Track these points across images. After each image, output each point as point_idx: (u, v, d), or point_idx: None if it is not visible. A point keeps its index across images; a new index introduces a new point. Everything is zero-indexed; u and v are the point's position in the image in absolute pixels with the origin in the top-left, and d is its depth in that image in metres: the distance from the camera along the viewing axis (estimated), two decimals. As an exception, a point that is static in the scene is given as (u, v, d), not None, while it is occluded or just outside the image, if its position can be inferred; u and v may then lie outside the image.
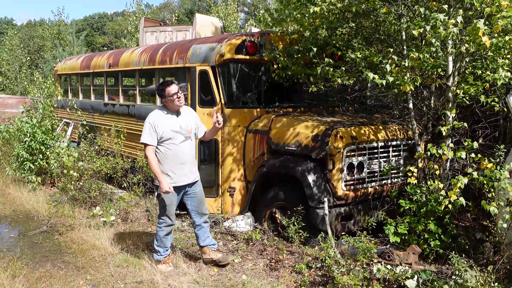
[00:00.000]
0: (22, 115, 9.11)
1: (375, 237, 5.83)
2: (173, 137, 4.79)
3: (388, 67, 4.48)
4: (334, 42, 6.17)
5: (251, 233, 5.74)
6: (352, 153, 5.61)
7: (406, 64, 4.75)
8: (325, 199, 5.22)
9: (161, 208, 5.01)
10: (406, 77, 4.57)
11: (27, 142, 8.47)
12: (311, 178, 5.44)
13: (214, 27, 9.38)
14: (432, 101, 6.07)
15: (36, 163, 8.51)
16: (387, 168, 5.71)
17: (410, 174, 4.99)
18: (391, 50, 4.80)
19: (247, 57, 6.46)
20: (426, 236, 5.14)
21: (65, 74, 11.38)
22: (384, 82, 4.48)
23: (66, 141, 9.60)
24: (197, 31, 9.06)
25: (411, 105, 5.57)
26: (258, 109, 6.57)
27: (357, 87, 5.68)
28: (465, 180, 4.33)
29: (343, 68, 5.32)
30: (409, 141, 6.23)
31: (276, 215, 5.89)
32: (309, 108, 7.05)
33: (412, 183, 5.01)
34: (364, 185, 5.78)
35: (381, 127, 6.01)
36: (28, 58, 22.82)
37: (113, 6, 65.98)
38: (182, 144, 4.86)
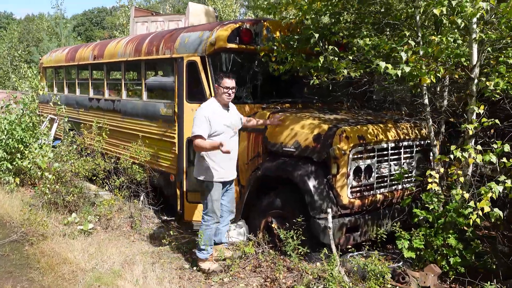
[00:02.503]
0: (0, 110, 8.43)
1: (383, 248, 5.15)
2: (225, 131, 4.75)
3: (403, 55, 3.77)
4: (337, 30, 5.46)
5: (243, 246, 5.04)
6: (359, 156, 4.91)
7: (421, 52, 4.02)
8: (329, 210, 4.53)
9: (208, 205, 4.86)
10: (424, 68, 3.84)
11: (4, 140, 7.79)
12: (311, 183, 4.74)
13: (209, 17, 8.66)
14: (445, 96, 5.38)
15: (14, 163, 7.83)
16: (399, 172, 5.01)
17: (430, 180, 4.29)
18: (407, 33, 4.07)
19: (241, 46, 5.75)
20: (445, 251, 4.46)
21: (50, 67, 10.68)
22: (399, 72, 3.76)
23: (50, 139, 8.92)
24: (190, 21, 8.34)
25: (426, 101, 4.87)
26: (253, 105, 5.87)
27: (366, 79, 4.96)
28: (499, 188, 3.64)
29: (350, 58, 4.60)
30: (422, 142, 5.54)
31: (273, 225, 5.20)
32: (309, 104, 6.35)
33: (433, 189, 4.31)
34: (372, 191, 5.09)
35: (391, 126, 5.30)
36: (21, 51, 22.07)
37: (112, 0, 65.20)
38: (231, 139, 4.85)
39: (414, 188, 4.81)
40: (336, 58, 4.50)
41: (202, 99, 5.73)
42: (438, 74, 3.84)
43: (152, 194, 6.75)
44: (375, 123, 5.25)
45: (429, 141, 5.55)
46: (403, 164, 5.35)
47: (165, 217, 6.72)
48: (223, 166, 4.81)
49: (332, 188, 4.76)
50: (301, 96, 6.49)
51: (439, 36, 3.80)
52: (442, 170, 4.43)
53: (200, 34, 5.89)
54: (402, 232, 4.58)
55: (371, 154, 5.02)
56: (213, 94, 5.65)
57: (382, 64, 3.76)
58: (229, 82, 4.75)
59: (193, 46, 5.87)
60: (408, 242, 4.53)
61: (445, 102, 5.37)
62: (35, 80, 8.28)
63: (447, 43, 3.81)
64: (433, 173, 4.28)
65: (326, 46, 5.60)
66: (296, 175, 4.84)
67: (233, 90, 4.80)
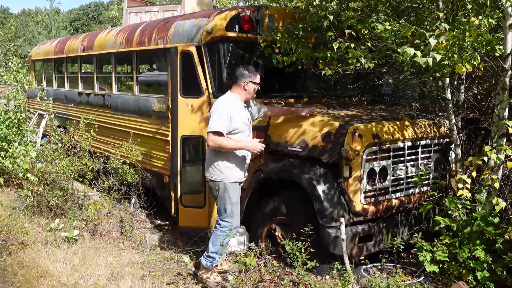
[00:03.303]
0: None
1: (399, 258, 4.63)
2: (244, 129, 4.41)
3: (432, 41, 3.22)
4: (347, 17, 4.91)
5: (243, 257, 4.53)
6: (374, 156, 4.39)
7: (443, 41, 3.47)
8: (342, 219, 4.01)
9: (227, 209, 4.41)
10: (456, 56, 3.28)
11: (-15, 138, 7.27)
12: (321, 188, 4.22)
13: (206, 7, 8.11)
14: (462, 90, 4.86)
15: (-2, 162, 7.30)
16: (417, 175, 4.50)
17: (460, 185, 3.76)
18: (441, 14, 3.53)
19: (241, 35, 5.21)
20: (471, 264, 3.95)
21: (39, 60, 10.11)
22: (430, 60, 3.21)
23: (38, 136, 8.39)
24: (186, 10, 7.79)
25: (449, 95, 4.34)
26: (254, 100, 5.32)
27: (380, 70, 4.42)
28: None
29: (369, 44, 4.05)
30: (441, 140, 5.02)
31: (276, 233, 4.68)
32: (315, 99, 5.82)
33: (465, 196, 3.79)
34: (388, 196, 4.57)
35: (408, 123, 4.78)
36: (13, 44, 21.44)
37: (110, -6, 64.43)
38: (249, 137, 4.51)
39: (435, 193, 4.28)
40: (352, 45, 3.94)
41: (198, 93, 5.21)
42: (474, 62, 3.30)
43: (145, 197, 6.22)
44: (391, 120, 4.73)
45: (448, 140, 5.06)
46: (421, 165, 4.83)
47: (159, 222, 6.21)
48: (240, 166, 4.45)
49: (344, 193, 4.24)
50: (306, 90, 5.96)
51: (479, 18, 3.26)
52: (474, 174, 3.90)
53: (195, 22, 5.35)
54: (423, 243, 4.06)
55: (386, 155, 4.49)
56: (209, 88, 5.12)
57: (410, 51, 3.21)
58: (259, 79, 4.46)
59: (188, 35, 5.33)
60: (430, 254, 4.02)
61: (462, 96, 4.86)
62: (20, 74, 7.72)
63: (488, 27, 3.28)
64: (464, 177, 3.75)
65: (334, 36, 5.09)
66: (303, 178, 4.31)
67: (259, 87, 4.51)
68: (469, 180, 3.77)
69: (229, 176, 4.37)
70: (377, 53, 3.96)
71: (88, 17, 57.65)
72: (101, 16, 56.26)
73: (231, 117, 4.23)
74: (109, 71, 7.24)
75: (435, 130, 4.99)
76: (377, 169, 4.41)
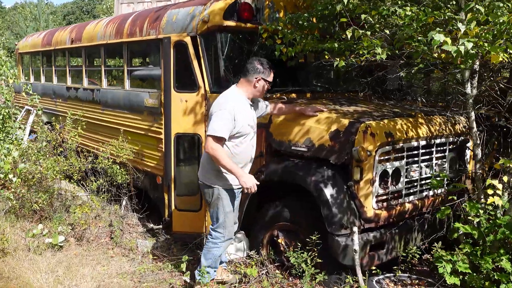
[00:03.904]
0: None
1: (412, 266, 4.27)
2: (248, 132, 3.89)
3: (461, 26, 2.80)
4: (354, 7, 4.50)
5: (243, 267, 4.14)
6: (387, 157, 4.00)
7: (472, 27, 3.08)
8: (355, 228, 3.63)
9: (219, 218, 3.96)
10: (486, 44, 2.88)
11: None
12: (329, 192, 3.83)
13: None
14: (474, 84, 4.48)
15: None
16: (434, 177, 4.12)
17: (490, 191, 3.38)
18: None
19: (240, 24, 4.80)
20: (496, 276, 3.57)
21: (26, 53, 9.65)
22: (462, 48, 2.80)
23: (25, 133, 7.94)
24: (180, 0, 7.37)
25: (469, 89, 3.96)
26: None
27: (401, 61, 4.00)
28: None
29: (387, 31, 3.64)
30: (456, 138, 4.64)
31: (279, 241, 4.30)
32: (320, 93, 5.42)
33: (496, 204, 3.42)
34: (401, 199, 4.19)
35: (421, 120, 4.39)
36: (5, 38, 20.89)
37: (103, -12, 63.67)
38: (252, 141, 4.00)
39: (454, 197, 3.91)
40: (368, 33, 3.53)
41: (193, 88, 4.80)
42: (511, 50, 2.90)
43: (136, 199, 5.81)
44: (404, 116, 4.34)
45: (463, 138, 4.68)
46: (435, 166, 4.46)
47: (152, 225, 5.80)
48: None
49: (354, 197, 3.85)
50: (310, 84, 5.57)
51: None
52: (506, 178, 3.52)
53: (190, 10, 4.93)
54: (443, 253, 3.68)
55: (399, 155, 4.11)
56: (205, 82, 4.72)
57: (439, 37, 2.80)
58: (272, 76, 3.94)
59: (182, 24, 4.91)
60: (451, 265, 3.64)
61: (474, 92, 4.48)
62: (4, 67, 7.26)
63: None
64: (495, 182, 3.36)
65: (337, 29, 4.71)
66: (309, 181, 3.92)
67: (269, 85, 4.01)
68: (500, 186, 3.38)
69: (224, 183, 3.89)
70: (396, 42, 3.55)
71: (82, 11, 56.87)
72: (95, 10, 55.61)
73: (235, 119, 3.71)
74: (99, 64, 6.81)
75: (450, 127, 4.62)
76: (390, 171, 4.03)
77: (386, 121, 4.07)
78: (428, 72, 4.79)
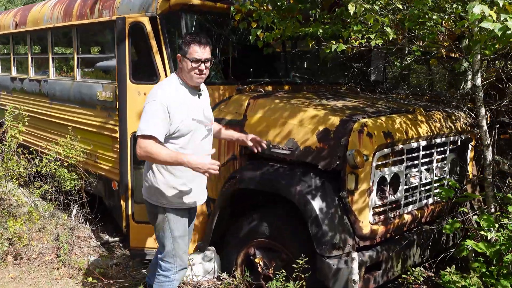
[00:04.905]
0: None
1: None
2: (195, 130, 3.02)
3: (484, 9, 2.15)
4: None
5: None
6: (385, 161, 3.37)
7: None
8: (355, 255, 2.97)
9: (166, 245, 3.13)
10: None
11: None
12: (318, 205, 3.17)
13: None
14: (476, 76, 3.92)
15: None
16: (447, 184, 3.52)
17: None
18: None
19: (208, 3, 4.08)
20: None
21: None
22: (497, 27, 2.17)
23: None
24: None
25: (478, 81, 3.36)
26: (224, 87, 4.21)
27: (411, 48, 3.38)
28: None
29: (399, 6, 2.97)
30: (457, 137, 4.06)
31: (256, 260, 3.62)
32: (301, 85, 4.75)
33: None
34: (399, 210, 3.57)
35: (422, 116, 3.79)
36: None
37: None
38: (204, 141, 3.11)
39: (466, 210, 3.32)
40: (377, 7, 2.84)
41: (153, 78, 4.04)
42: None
43: (89, 208, 5.02)
44: (402, 112, 3.71)
45: (464, 137, 4.11)
46: (436, 169, 3.86)
47: (107, 237, 5.04)
48: (191, 184, 3.09)
49: (348, 210, 3.20)
50: (287, 74, 4.89)
51: None
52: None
53: (149, -14, 4.16)
54: (455, 277, 3.08)
55: (398, 158, 3.49)
56: (167, 71, 3.98)
57: (481, 8, 2.14)
58: (201, 51, 2.92)
59: (140, 3, 4.13)
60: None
61: (479, 81, 3.91)
62: None
63: None
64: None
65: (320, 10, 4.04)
66: (294, 191, 3.24)
67: (207, 65, 3.00)
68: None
69: (171, 201, 3.06)
70: (408, 20, 2.90)
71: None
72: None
73: (170, 112, 2.87)
74: (46, 52, 5.95)
75: (451, 125, 4.03)
76: (388, 178, 3.40)
77: (383, 118, 3.43)
78: (427, 61, 4.18)
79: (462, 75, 4.67)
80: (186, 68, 2.96)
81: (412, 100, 4.61)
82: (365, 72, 5.07)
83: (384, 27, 2.82)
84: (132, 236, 4.31)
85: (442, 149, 3.93)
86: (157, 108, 2.85)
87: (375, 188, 3.28)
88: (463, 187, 3.94)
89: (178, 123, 2.91)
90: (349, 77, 4.83)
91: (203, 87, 3.21)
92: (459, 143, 4.12)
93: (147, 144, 2.81)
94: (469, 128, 4.18)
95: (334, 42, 3.23)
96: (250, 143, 3.32)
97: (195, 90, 3.08)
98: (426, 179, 3.75)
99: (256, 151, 3.33)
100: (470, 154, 4.23)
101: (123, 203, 4.41)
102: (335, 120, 3.32)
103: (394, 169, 3.44)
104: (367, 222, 3.24)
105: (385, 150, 3.30)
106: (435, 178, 3.85)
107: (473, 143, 4.20)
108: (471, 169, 4.30)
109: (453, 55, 4.78)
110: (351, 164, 3.08)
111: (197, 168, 2.78)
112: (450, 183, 3.44)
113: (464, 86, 4.62)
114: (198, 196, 3.19)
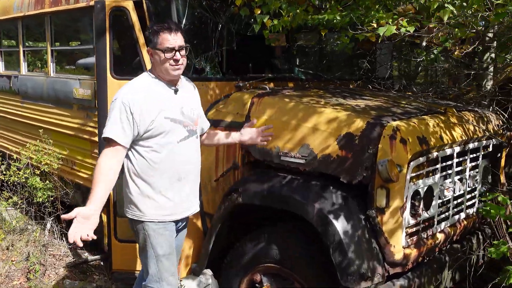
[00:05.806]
0: None
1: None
2: (170, 130, 2.62)
3: None
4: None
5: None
6: (419, 172, 2.82)
7: None
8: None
9: (150, 267, 2.68)
10: None
11: None
12: (341, 227, 2.61)
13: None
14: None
15: None
16: (497, 199, 2.99)
17: None
18: None
19: (203, -15, 3.51)
20: None
21: None
22: None
23: None
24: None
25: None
26: (222, 83, 3.63)
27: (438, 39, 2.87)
28: None
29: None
30: (489, 141, 3.54)
31: (263, 289, 3.05)
32: (310, 82, 4.20)
33: None
34: (432, 229, 3.03)
35: (454, 118, 3.25)
36: None
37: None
38: (183, 143, 2.68)
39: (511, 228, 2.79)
40: None
41: (138, 72, 3.43)
42: None
43: (64, 223, 4.40)
44: (433, 114, 3.17)
45: (495, 141, 3.60)
46: (469, 179, 3.33)
47: (86, 254, 4.43)
48: (168, 194, 2.64)
49: (378, 233, 2.65)
50: (292, 69, 4.33)
51: None
52: None
53: (134, -34, 3.56)
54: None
55: (433, 168, 2.94)
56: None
57: None
58: (172, 38, 2.54)
59: (122, -15, 3.53)
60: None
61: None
62: None
63: None
64: None
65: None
66: (312, 210, 2.67)
67: (183, 53, 2.59)
68: None
69: (149, 212, 2.63)
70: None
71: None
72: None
73: (135, 111, 2.49)
74: (16, 44, 5.32)
75: (483, 127, 3.50)
76: (421, 191, 2.85)
77: (416, 121, 2.88)
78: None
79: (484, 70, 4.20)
80: (159, 61, 2.58)
81: (434, 99, 4.08)
82: (374, 68, 4.56)
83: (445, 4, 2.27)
84: (115, 257, 3.71)
85: (474, 155, 3.40)
86: (118, 107, 2.52)
87: (408, 204, 2.73)
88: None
89: (147, 124, 2.53)
90: (362, 73, 4.28)
91: (184, 82, 2.79)
92: (490, 148, 3.60)
93: (104, 153, 2.51)
94: (501, 130, 3.67)
95: (376, 25, 2.67)
96: (259, 141, 2.97)
97: (171, 84, 2.67)
98: (460, 191, 3.22)
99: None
100: (502, 161, 3.72)
101: (104, 218, 3.81)
102: (360, 123, 2.76)
103: (428, 181, 2.90)
104: (399, 246, 2.69)
105: (420, 159, 2.75)
106: (468, 189, 3.33)
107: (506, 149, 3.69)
108: (503, 178, 3.79)
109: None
110: (383, 177, 2.53)
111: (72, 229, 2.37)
112: (500, 199, 2.90)
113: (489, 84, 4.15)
114: (181, 205, 2.72)
